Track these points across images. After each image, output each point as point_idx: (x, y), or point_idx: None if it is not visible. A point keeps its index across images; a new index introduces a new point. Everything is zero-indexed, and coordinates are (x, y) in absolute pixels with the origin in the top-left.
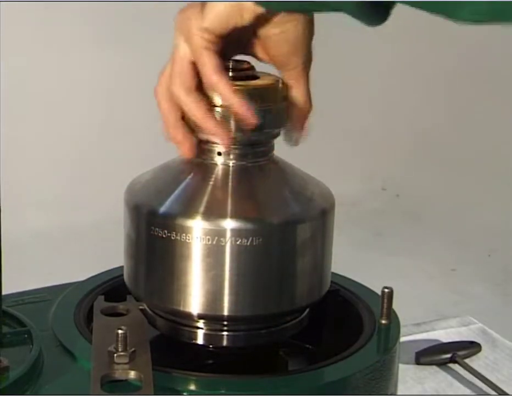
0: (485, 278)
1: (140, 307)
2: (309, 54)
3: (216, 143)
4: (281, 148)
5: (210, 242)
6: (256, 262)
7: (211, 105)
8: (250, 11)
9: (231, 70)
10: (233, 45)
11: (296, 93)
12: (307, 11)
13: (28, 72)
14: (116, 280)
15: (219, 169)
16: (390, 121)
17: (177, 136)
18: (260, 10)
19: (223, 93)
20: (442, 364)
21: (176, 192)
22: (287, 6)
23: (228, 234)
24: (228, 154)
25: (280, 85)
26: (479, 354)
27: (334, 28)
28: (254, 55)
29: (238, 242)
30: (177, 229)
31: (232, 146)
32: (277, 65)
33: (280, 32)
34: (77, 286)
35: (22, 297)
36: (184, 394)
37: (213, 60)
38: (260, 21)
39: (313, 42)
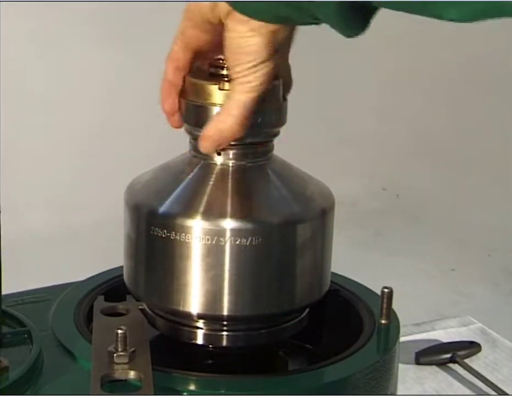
0: (485, 278)
1: (140, 307)
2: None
3: None
4: (281, 148)
5: (209, 242)
6: (256, 262)
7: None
8: (224, 7)
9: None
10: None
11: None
12: (283, 21)
13: (28, 73)
14: (116, 280)
15: (219, 169)
16: (391, 121)
17: (164, 106)
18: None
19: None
20: (442, 364)
21: (176, 192)
22: (259, 15)
23: (228, 234)
24: (228, 154)
25: (279, 85)
26: (479, 354)
27: (334, 32)
28: None
29: (237, 242)
30: (176, 228)
31: (232, 146)
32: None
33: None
34: (77, 286)
35: (22, 297)
36: (184, 394)
37: (169, 70)
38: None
39: (317, 43)
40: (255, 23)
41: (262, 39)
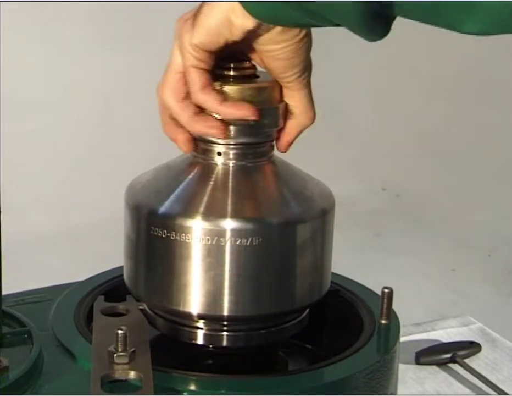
0: (485, 278)
1: (140, 307)
2: (306, 66)
3: (216, 143)
4: None
5: (209, 242)
6: (256, 262)
7: (200, 109)
8: (239, 27)
9: (232, 69)
10: (232, 53)
11: (293, 104)
12: (304, 26)
13: (29, 73)
14: (116, 280)
15: (219, 169)
16: (391, 121)
17: (170, 133)
18: (250, 25)
19: (211, 108)
20: (442, 364)
21: (176, 192)
22: (281, 21)
23: (228, 234)
24: (228, 154)
25: (280, 85)
26: (479, 354)
27: (334, 31)
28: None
29: (237, 242)
30: (176, 229)
31: (232, 146)
32: (274, 76)
33: (275, 49)
34: (77, 286)
35: (22, 297)
36: (184, 394)
37: (200, 78)
38: (254, 36)
39: (317, 44)
40: (294, 30)
41: (307, 39)
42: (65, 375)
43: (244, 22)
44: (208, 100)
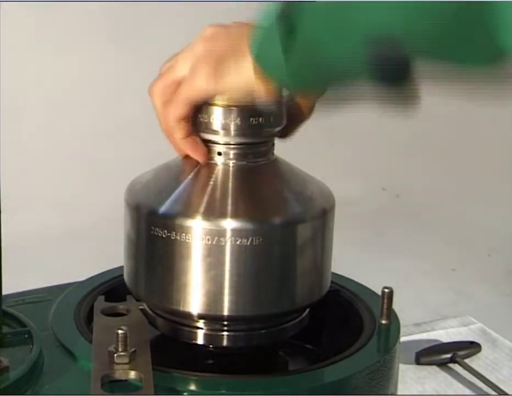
0: (485, 278)
1: (140, 307)
2: None
3: (216, 142)
4: (281, 148)
5: (210, 242)
6: (256, 262)
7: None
8: (263, 93)
9: None
10: None
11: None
12: (327, 86)
13: (29, 72)
14: (116, 280)
15: (219, 169)
16: (391, 120)
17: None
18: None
19: (176, 138)
20: (442, 364)
21: (176, 192)
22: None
23: (228, 234)
24: (228, 154)
25: None
26: (479, 354)
27: None
28: None
29: (238, 242)
30: (176, 228)
31: (232, 146)
32: None
33: None
34: (77, 286)
35: (22, 297)
36: (184, 394)
37: (185, 113)
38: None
39: None
40: None
41: None
42: (65, 375)
43: (266, 88)
44: (176, 130)
